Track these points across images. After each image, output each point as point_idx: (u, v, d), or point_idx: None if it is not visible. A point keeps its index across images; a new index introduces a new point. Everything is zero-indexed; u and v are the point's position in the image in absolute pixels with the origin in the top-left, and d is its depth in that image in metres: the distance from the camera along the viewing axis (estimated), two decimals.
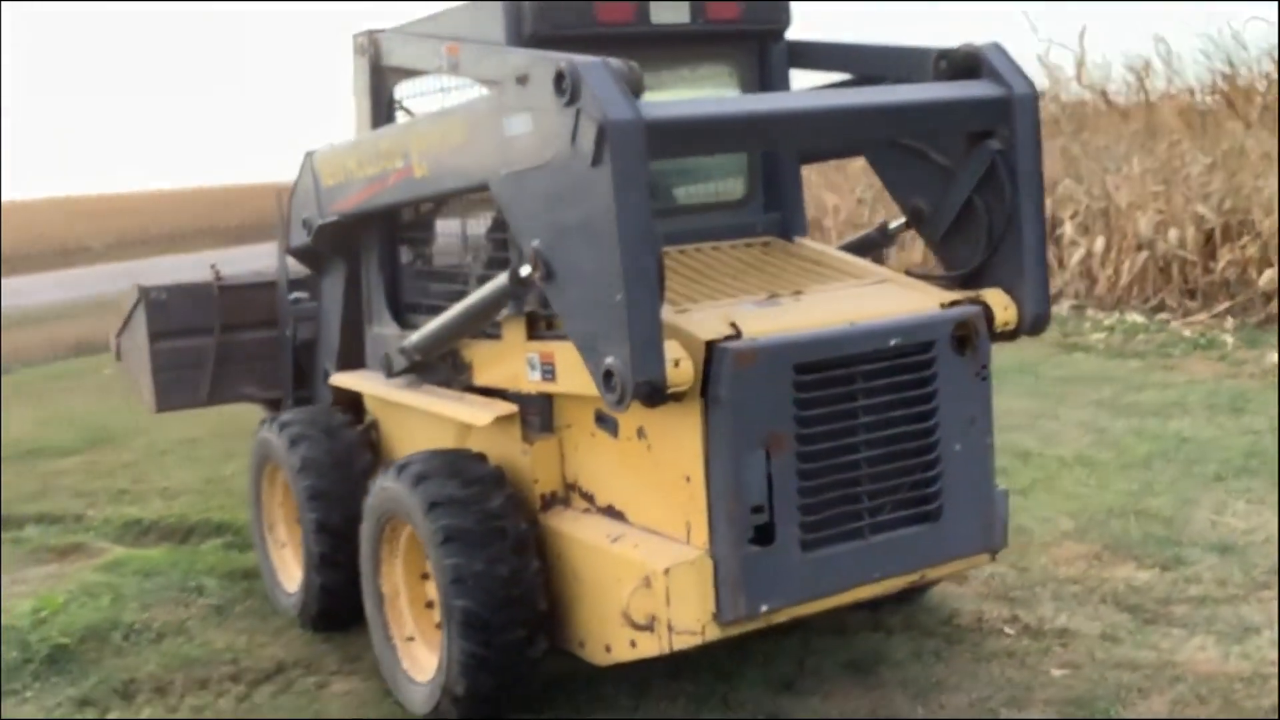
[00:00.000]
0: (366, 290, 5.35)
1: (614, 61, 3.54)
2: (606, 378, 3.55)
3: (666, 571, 3.73)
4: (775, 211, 4.85)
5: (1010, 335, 4.21)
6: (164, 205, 42.49)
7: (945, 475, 3.98)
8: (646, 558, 3.85)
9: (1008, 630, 5.00)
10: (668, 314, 3.79)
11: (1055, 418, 8.39)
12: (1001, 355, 10.68)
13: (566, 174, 3.56)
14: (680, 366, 3.58)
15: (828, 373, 3.80)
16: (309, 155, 5.40)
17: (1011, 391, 9.22)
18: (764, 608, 3.75)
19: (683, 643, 3.77)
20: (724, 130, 3.82)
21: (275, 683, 4.94)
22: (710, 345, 3.69)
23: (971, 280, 4.32)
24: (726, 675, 4.68)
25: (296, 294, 6.14)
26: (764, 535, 3.73)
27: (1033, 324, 4.17)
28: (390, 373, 4.94)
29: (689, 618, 3.75)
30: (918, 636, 4.97)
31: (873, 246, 4.90)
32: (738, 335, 3.73)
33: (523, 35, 4.40)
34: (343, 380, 5.45)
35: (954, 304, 4.12)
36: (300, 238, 5.56)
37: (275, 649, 5.26)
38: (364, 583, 4.74)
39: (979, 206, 4.25)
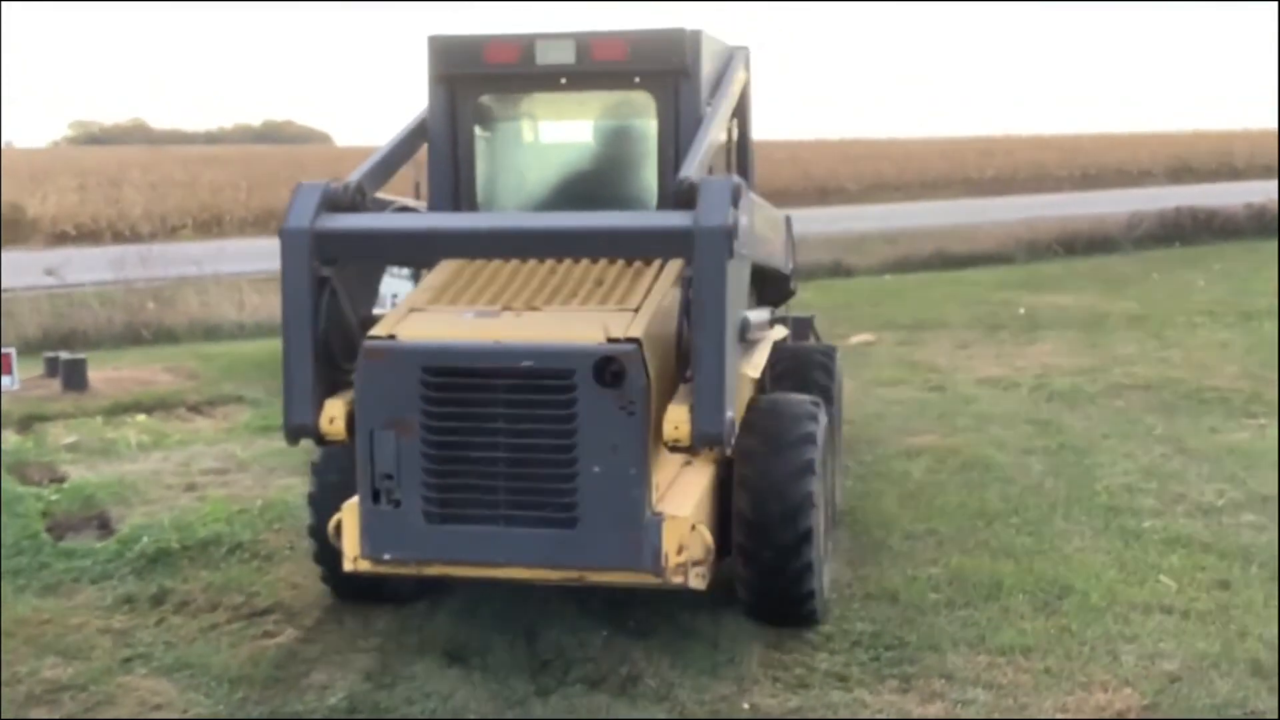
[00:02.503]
0: None
1: (337, 183, 4.67)
2: None
3: (342, 508, 4.72)
4: None
5: (687, 449, 4.33)
6: (919, 152, 44.53)
7: (582, 491, 4.35)
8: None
9: None
10: (402, 311, 4.78)
11: None
12: None
13: None
14: (334, 424, 4.58)
15: (461, 379, 4.40)
16: None
17: None
18: (386, 556, 4.55)
19: (346, 566, 4.72)
20: (397, 243, 4.82)
21: (250, 622, 5.49)
22: (366, 340, 4.55)
23: None
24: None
25: None
26: (396, 500, 4.50)
27: (701, 441, 4.29)
28: None
29: (349, 548, 4.68)
30: None
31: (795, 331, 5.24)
32: (391, 337, 4.53)
33: (433, 75, 5.32)
34: None
35: (620, 340, 4.32)
36: None
37: (289, 593, 5.79)
38: None
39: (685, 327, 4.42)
